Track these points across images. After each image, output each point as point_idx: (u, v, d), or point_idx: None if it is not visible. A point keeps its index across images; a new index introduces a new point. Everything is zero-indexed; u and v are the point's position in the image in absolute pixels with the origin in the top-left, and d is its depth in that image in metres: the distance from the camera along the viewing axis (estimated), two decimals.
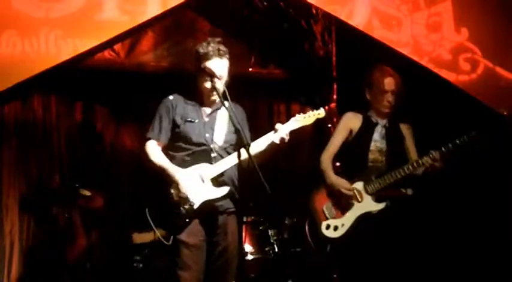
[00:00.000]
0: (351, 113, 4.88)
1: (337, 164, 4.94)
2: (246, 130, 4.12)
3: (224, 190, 4.02)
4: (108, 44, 5.64)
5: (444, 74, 5.74)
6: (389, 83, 4.75)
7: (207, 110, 4.18)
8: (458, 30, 5.81)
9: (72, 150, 5.99)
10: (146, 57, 6.01)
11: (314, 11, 6.10)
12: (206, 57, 4.06)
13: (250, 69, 6.33)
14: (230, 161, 4.01)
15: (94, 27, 5.32)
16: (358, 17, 5.72)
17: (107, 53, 5.85)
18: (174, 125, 4.11)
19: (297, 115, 4.13)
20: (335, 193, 4.70)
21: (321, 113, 4.14)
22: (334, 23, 6.09)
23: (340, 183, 4.68)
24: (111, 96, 5.95)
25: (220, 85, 4.03)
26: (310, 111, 4.13)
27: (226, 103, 4.00)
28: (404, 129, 4.89)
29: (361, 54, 5.77)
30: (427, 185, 4.91)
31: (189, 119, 4.10)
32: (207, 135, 4.09)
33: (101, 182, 5.74)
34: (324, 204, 4.72)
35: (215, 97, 4.08)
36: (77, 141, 6.01)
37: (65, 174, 5.87)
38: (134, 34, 5.77)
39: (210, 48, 4.07)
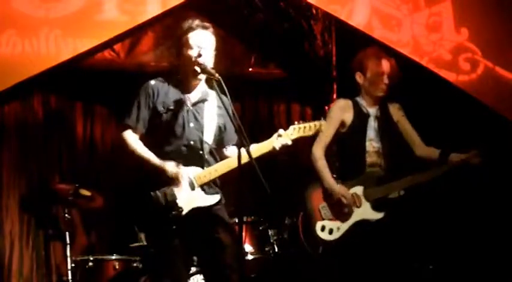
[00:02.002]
0: (341, 102, 4.69)
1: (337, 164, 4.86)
2: (238, 124, 3.64)
3: (215, 198, 3.90)
4: (108, 44, 5.65)
5: (444, 74, 5.75)
6: (386, 64, 4.59)
7: (192, 98, 3.96)
8: (458, 30, 5.82)
9: (72, 150, 5.99)
10: (146, 57, 6.01)
11: (314, 11, 6.10)
12: (190, 28, 3.88)
13: (250, 69, 6.32)
14: (223, 168, 3.84)
15: (94, 27, 5.34)
16: (358, 17, 5.73)
17: (107, 53, 5.84)
18: (156, 114, 3.90)
19: (297, 123, 3.96)
20: (332, 196, 4.56)
21: (323, 124, 4.01)
22: (334, 23, 6.10)
23: (339, 190, 4.51)
24: (111, 96, 5.94)
25: (207, 59, 3.84)
26: (311, 122, 3.98)
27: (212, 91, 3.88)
28: (395, 112, 4.71)
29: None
30: (426, 192, 4.85)
31: (172, 108, 3.89)
32: (191, 125, 3.89)
33: (101, 182, 5.75)
34: (320, 203, 4.57)
35: (201, 76, 3.87)
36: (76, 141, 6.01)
37: (65, 174, 5.87)
38: (134, 34, 5.78)
39: (195, 21, 3.91)
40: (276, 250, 5.22)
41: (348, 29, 5.78)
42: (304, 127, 3.96)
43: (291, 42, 6.20)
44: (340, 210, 4.53)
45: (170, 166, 3.81)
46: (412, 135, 4.69)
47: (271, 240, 5.24)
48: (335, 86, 6.19)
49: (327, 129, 4.52)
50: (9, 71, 5.19)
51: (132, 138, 3.90)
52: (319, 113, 6.29)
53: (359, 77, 4.66)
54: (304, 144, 4.08)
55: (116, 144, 6.01)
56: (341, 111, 4.64)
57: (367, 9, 5.73)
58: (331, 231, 4.52)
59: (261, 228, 5.28)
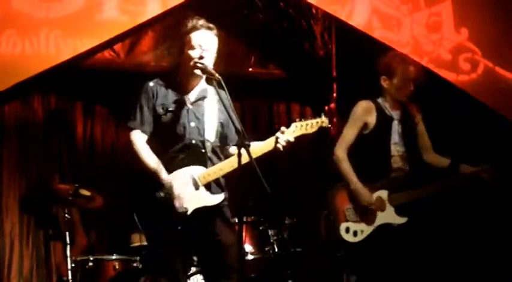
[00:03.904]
0: (363, 103, 4.61)
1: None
2: (237, 122, 3.70)
3: (219, 198, 3.89)
4: (108, 44, 5.64)
5: (444, 74, 5.75)
6: (413, 70, 4.55)
7: (191, 97, 3.94)
8: (458, 30, 5.82)
9: (72, 150, 5.99)
10: (146, 57, 6.00)
11: (314, 11, 6.10)
12: (194, 28, 3.87)
13: (250, 69, 6.32)
14: (227, 167, 3.82)
15: (94, 27, 5.33)
16: (358, 17, 5.73)
17: (107, 53, 5.83)
18: (156, 116, 3.88)
19: (299, 121, 3.94)
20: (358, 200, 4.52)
21: (324, 121, 3.98)
22: (334, 23, 6.10)
23: (365, 195, 4.47)
24: (111, 96, 5.94)
25: (208, 60, 3.83)
26: (313, 119, 3.95)
27: (212, 88, 3.87)
28: (415, 112, 4.67)
29: (361, 54, 5.77)
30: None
31: (171, 109, 3.86)
32: (192, 124, 3.87)
33: (101, 182, 5.75)
34: (345, 205, 4.53)
35: (201, 75, 3.86)
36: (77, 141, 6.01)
37: (65, 174, 5.87)
38: (134, 34, 5.78)
39: (199, 21, 3.89)
40: (276, 250, 5.22)
41: (348, 29, 5.77)
42: (306, 124, 3.94)
43: (291, 42, 6.20)
44: (365, 213, 4.50)
45: (174, 191, 3.80)
46: (425, 139, 4.70)
47: (271, 240, 5.24)
48: (335, 86, 6.19)
49: (349, 130, 4.57)
50: (9, 71, 5.19)
51: (139, 141, 3.88)
52: (319, 113, 6.31)
53: (384, 81, 4.60)
54: (304, 143, 4.05)
55: (116, 144, 6.07)
56: (364, 113, 4.59)
57: (367, 9, 5.73)
58: (355, 233, 4.49)
59: (261, 228, 5.27)
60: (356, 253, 4.59)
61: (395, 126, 4.60)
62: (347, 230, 4.51)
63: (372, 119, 4.58)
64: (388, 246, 4.45)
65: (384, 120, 4.59)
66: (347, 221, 4.52)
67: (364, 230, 4.50)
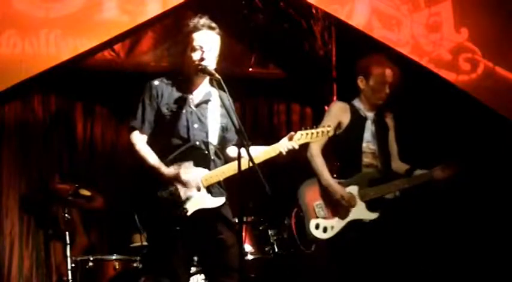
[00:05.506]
0: (340, 103, 4.71)
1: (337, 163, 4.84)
2: (237, 122, 3.70)
3: (220, 201, 3.88)
4: (108, 44, 5.65)
5: (444, 74, 5.75)
6: (389, 74, 4.60)
7: (195, 99, 3.94)
8: (458, 30, 5.83)
9: (72, 150, 5.99)
10: (146, 57, 6.00)
11: (314, 11, 6.10)
12: (195, 28, 3.87)
13: (250, 69, 6.32)
14: (230, 170, 3.81)
15: (94, 27, 5.34)
16: (358, 17, 5.74)
17: (107, 53, 5.83)
18: (160, 116, 3.87)
19: (304, 129, 3.93)
20: (329, 194, 4.55)
21: (330, 130, 4.00)
22: (334, 23, 6.10)
23: (337, 189, 4.51)
24: (111, 96, 5.94)
25: (210, 61, 3.83)
26: (319, 128, 3.95)
27: (215, 90, 3.89)
28: (389, 119, 4.77)
29: (361, 54, 5.77)
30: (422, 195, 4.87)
31: (175, 109, 3.86)
32: (195, 125, 3.87)
33: (101, 182, 5.75)
34: (315, 201, 4.55)
35: (203, 77, 3.87)
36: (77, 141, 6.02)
37: (65, 174, 5.87)
38: (134, 34, 5.78)
39: (201, 21, 3.89)
40: (276, 250, 5.22)
41: (348, 29, 5.78)
42: (312, 133, 3.94)
43: (291, 42, 6.20)
44: (336, 208, 4.53)
45: (167, 169, 3.80)
46: (392, 147, 4.77)
47: (271, 240, 5.24)
48: (335, 86, 6.19)
49: None
50: (9, 71, 5.20)
51: (139, 140, 3.88)
52: (319, 113, 6.31)
53: (361, 82, 4.67)
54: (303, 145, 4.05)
55: (116, 144, 6.07)
56: (339, 112, 4.66)
57: (367, 9, 5.73)
58: (325, 230, 4.51)
59: (261, 228, 5.28)
60: (326, 249, 4.58)
61: (369, 126, 4.67)
62: (317, 226, 4.51)
63: (345, 119, 4.64)
64: (360, 242, 4.44)
65: (357, 120, 4.65)
66: (317, 217, 4.53)
67: (334, 226, 4.51)
